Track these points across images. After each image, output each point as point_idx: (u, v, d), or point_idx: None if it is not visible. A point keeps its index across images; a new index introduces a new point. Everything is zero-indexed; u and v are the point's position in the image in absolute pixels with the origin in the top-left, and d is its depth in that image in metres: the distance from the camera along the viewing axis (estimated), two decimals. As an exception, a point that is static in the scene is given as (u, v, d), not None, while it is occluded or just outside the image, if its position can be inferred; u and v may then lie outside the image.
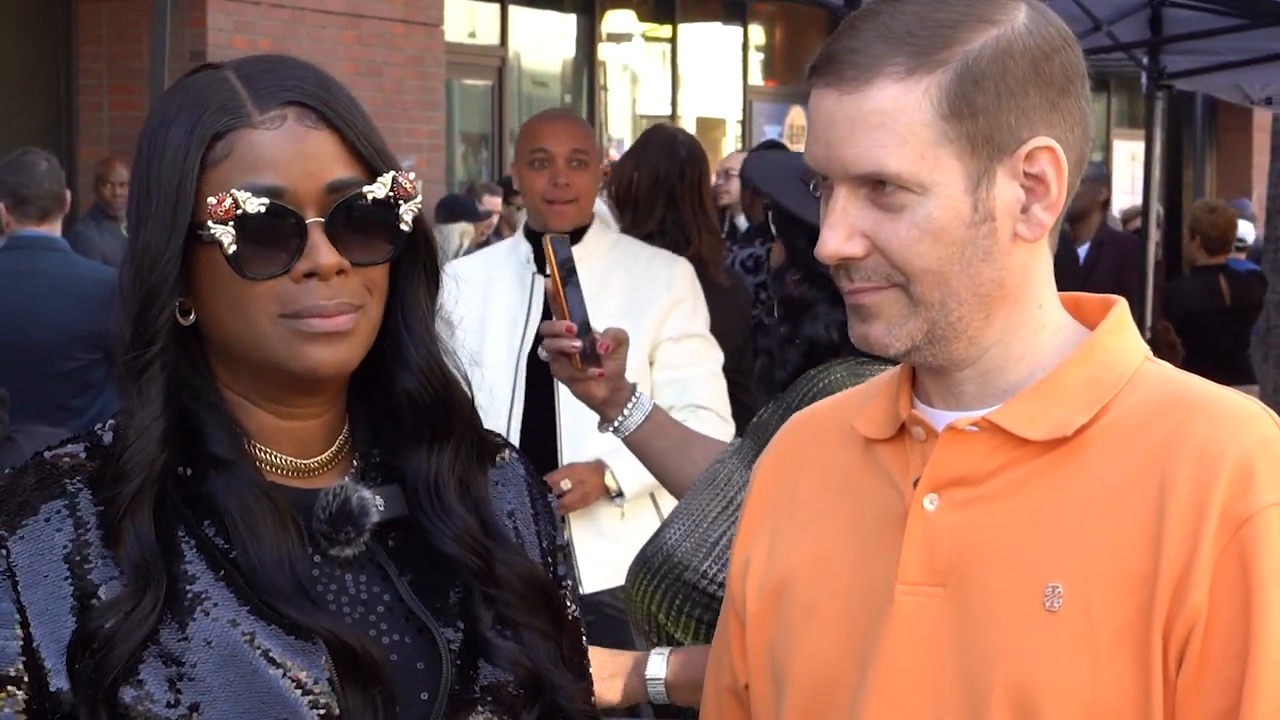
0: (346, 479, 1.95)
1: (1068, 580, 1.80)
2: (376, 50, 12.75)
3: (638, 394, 3.49)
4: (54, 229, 7.01)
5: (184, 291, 1.88)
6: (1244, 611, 1.74)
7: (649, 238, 5.48)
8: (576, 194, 5.05)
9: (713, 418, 5.11)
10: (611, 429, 3.49)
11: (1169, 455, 1.80)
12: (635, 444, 3.47)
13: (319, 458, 1.96)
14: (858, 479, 1.98)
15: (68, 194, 7.15)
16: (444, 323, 2.00)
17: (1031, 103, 1.84)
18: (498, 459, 2.08)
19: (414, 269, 1.95)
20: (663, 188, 5.92)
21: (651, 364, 5.09)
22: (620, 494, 5.01)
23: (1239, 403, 1.86)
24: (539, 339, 5.05)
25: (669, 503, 5.23)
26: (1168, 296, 10.55)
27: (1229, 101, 11.77)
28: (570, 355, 3.43)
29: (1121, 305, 1.95)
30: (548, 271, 3.53)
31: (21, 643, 1.81)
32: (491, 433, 2.10)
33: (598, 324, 5.09)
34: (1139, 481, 1.80)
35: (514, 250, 5.20)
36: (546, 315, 5.07)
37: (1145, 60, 9.22)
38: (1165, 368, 1.93)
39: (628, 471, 4.99)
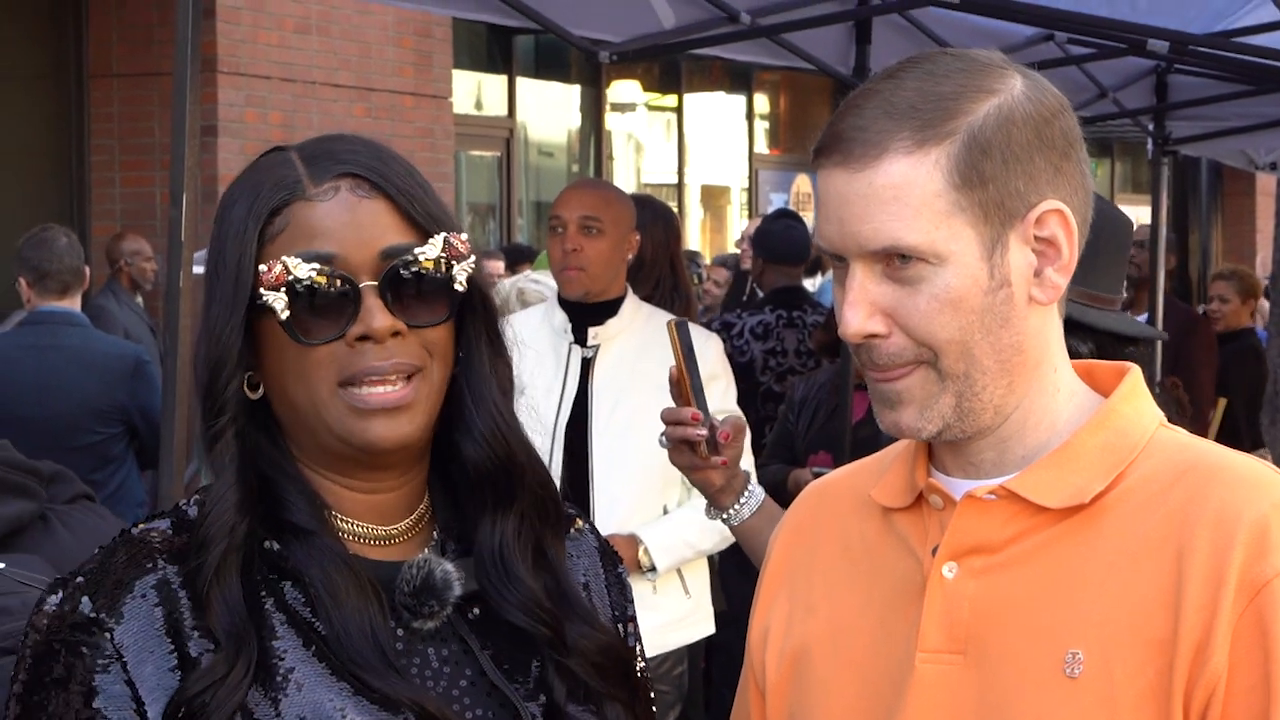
0: (428, 551, 1.96)
1: (1088, 647, 1.80)
2: (386, 123, 12.81)
3: (751, 484, 3.49)
4: (74, 304, 7.05)
5: (251, 365, 1.92)
6: (1264, 675, 1.75)
7: (645, 300, 5.52)
8: (584, 261, 5.11)
9: None
10: (723, 517, 3.49)
11: (1186, 521, 1.81)
12: (744, 532, 3.46)
13: (399, 525, 1.98)
14: (876, 548, 1.99)
15: (86, 269, 7.20)
16: (509, 389, 2.00)
17: (1037, 167, 1.85)
18: (572, 530, 2.10)
19: (476, 333, 1.97)
20: (665, 254, 5.97)
21: (661, 444, 5.10)
22: (653, 568, 5.04)
23: (1253, 467, 1.87)
24: (575, 408, 5.10)
25: (694, 578, 5.25)
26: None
27: (1234, 166, 11.82)
28: (695, 444, 3.42)
29: (1135, 372, 1.96)
30: (672, 357, 3.50)
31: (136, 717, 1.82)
32: (566, 503, 2.11)
33: (638, 399, 5.12)
34: (1157, 547, 1.81)
35: (548, 318, 5.23)
36: (582, 386, 5.11)
37: (1150, 126, 9.27)
38: (1180, 434, 1.94)
39: (660, 546, 5.03)
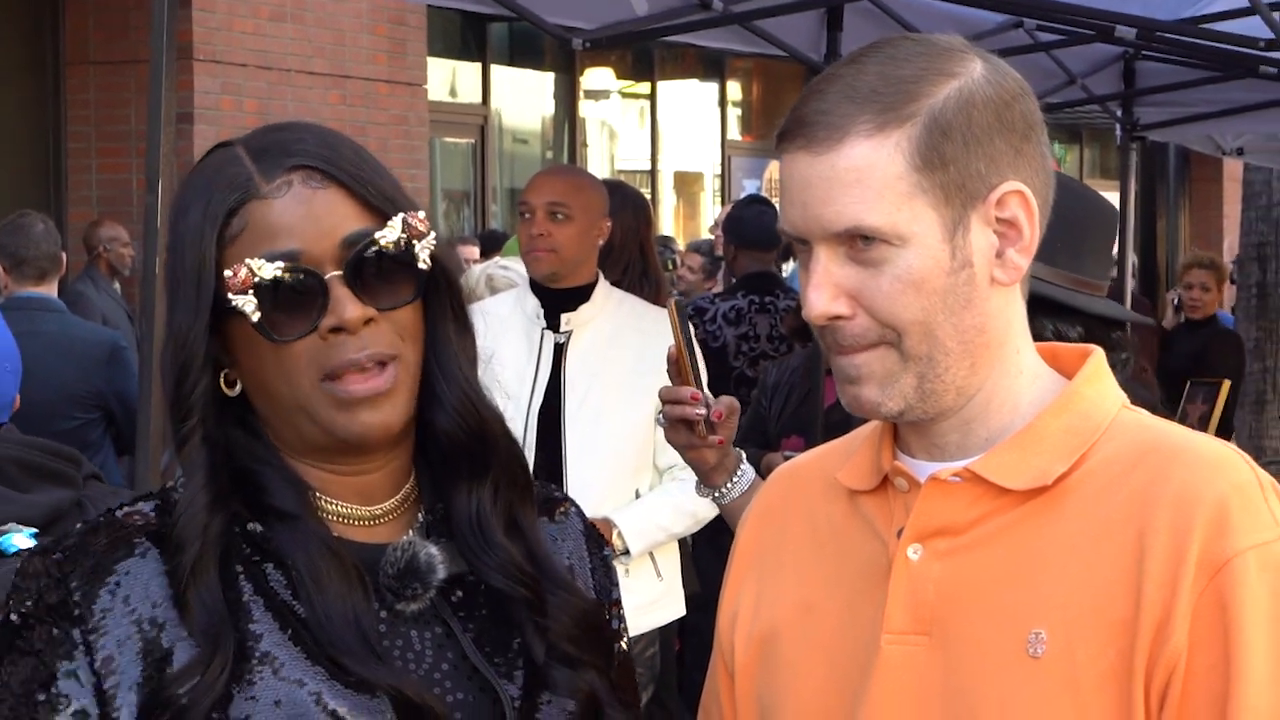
0: (413, 533, 1.98)
1: (1050, 627, 1.82)
2: (361, 110, 12.79)
3: (743, 464, 3.52)
4: (51, 290, 7.05)
5: (230, 364, 1.93)
6: (1223, 655, 1.76)
7: (614, 285, 5.54)
8: (553, 244, 5.14)
9: None
10: (714, 495, 3.51)
11: (1147, 502, 1.83)
12: (734, 511, 3.47)
13: (384, 505, 1.99)
14: (842, 530, 2.00)
15: (63, 255, 7.20)
16: (475, 359, 2.02)
17: (998, 149, 1.87)
18: (557, 513, 2.12)
19: (441, 309, 1.98)
20: (635, 239, 5.99)
21: (656, 423, 5.14)
22: (626, 552, 5.07)
23: (1214, 448, 1.88)
24: (548, 394, 5.12)
25: (666, 561, 5.28)
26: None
27: (1201, 152, 11.86)
28: (693, 423, 3.43)
29: (1098, 354, 1.98)
30: (672, 336, 3.53)
31: (99, 709, 1.83)
32: (551, 487, 2.14)
33: (610, 384, 5.14)
34: (1118, 528, 1.83)
35: (519, 303, 5.27)
36: (555, 371, 5.14)
37: (1119, 112, 9.29)
38: (1142, 415, 1.96)
39: (634, 530, 5.06)
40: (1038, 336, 2.77)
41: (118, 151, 11.65)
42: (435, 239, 1.95)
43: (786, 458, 5.03)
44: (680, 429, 3.43)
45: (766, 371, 6.99)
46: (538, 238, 5.19)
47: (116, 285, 10.15)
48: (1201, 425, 8.92)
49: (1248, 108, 8.85)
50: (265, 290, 1.88)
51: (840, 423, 5.21)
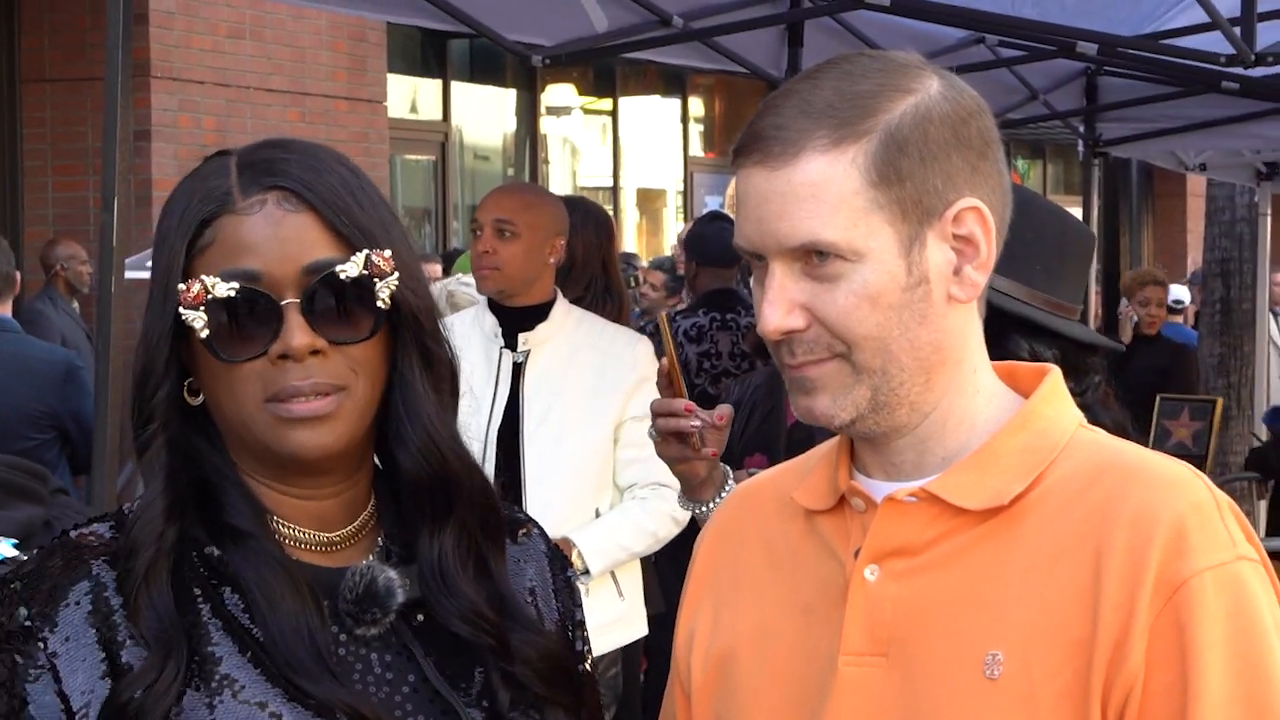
0: (372, 558, 1.97)
1: (1007, 648, 1.81)
2: (320, 127, 12.76)
3: (730, 479, 3.48)
4: (5, 309, 7.01)
5: (190, 373, 1.93)
6: (1180, 675, 1.76)
7: (575, 303, 5.53)
8: (498, 262, 5.13)
9: (674, 495, 5.13)
10: (701, 509, 3.47)
11: (1104, 521, 1.82)
12: None
13: (340, 532, 1.98)
14: (799, 550, 1.99)
15: (17, 275, 7.16)
16: (445, 399, 2.00)
17: (954, 166, 1.86)
18: (520, 535, 2.10)
19: (406, 348, 1.96)
20: (597, 255, 5.97)
21: (616, 441, 5.13)
22: (586, 572, 5.05)
23: (1171, 468, 1.88)
24: (507, 413, 5.11)
25: (627, 580, 5.27)
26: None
27: (1164, 168, 11.92)
28: (685, 435, 3.37)
29: (1055, 373, 1.97)
30: (663, 348, 3.48)
31: None
32: (516, 508, 2.13)
33: (569, 403, 5.12)
34: (1075, 548, 1.82)
35: (478, 322, 5.25)
36: (514, 389, 5.12)
37: (1081, 128, 9.34)
38: (1099, 434, 1.95)
39: (594, 549, 5.04)
40: (1013, 355, 2.77)
41: (74, 169, 11.62)
42: (406, 279, 1.93)
43: (751, 474, 4.99)
44: (672, 442, 3.39)
45: (729, 390, 6.97)
46: (483, 255, 5.19)
47: (75, 304, 10.12)
48: (1197, 442, 8.93)
49: (1210, 123, 8.91)
50: (219, 308, 1.87)
51: (803, 440, 5.19)
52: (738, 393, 6.90)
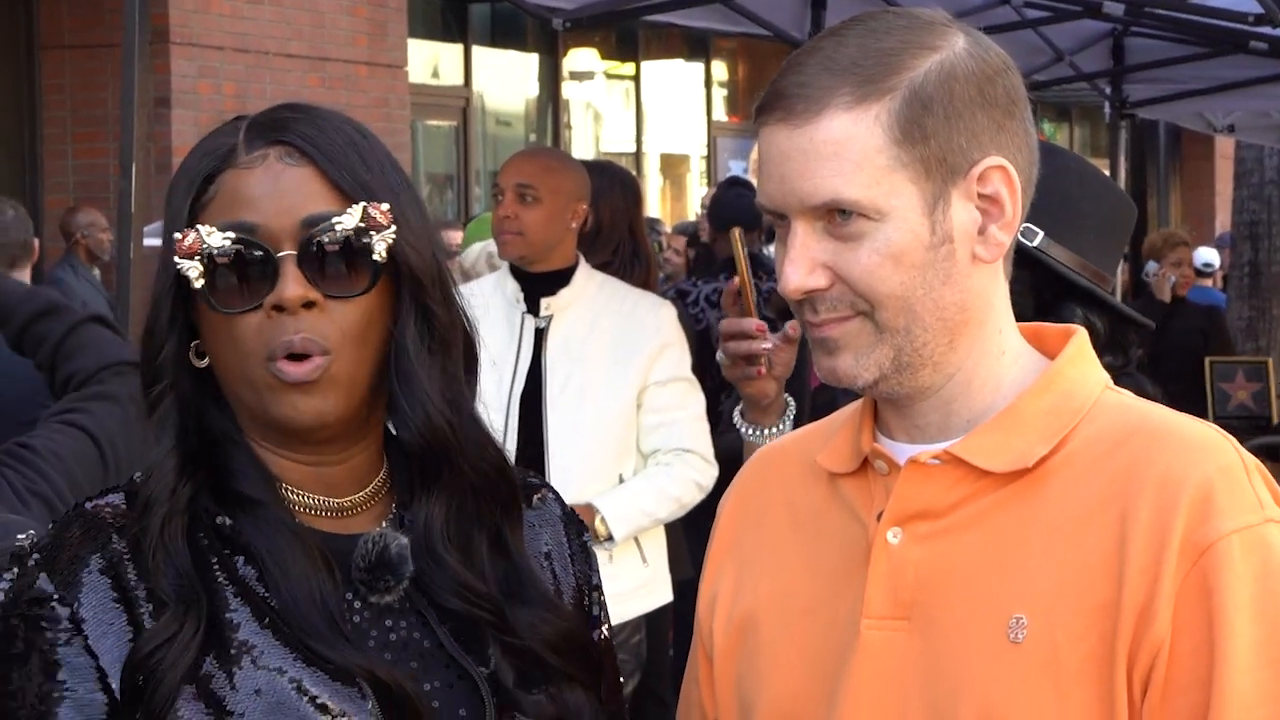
0: (385, 524, 1.96)
1: (1031, 612, 1.80)
2: (340, 93, 12.74)
3: (790, 404, 3.44)
4: (23, 276, 7.01)
5: (197, 334, 1.92)
6: (1207, 639, 1.74)
7: (603, 268, 5.50)
8: (520, 227, 5.11)
9: (698, 460, 5.15)
10: (764, 432, 3.38)
11: (1130, 484, 1.80)
12: None
13: (351, 498, 1.97)
14: (822, 513, 1.98)
15: (35, 242, 7.16)
16: (448, 364, 1.97)
17: (980, 124, 1.84)
18: (534, 499, 2.09)
19: (404, 310, 1.93)
20: (624, 220, 5.95)
21: (639, 406, 5.11)
22: (610, 538, 5.04)
23: (1199, 430, 1.86)
24: (529, 379, 5.10)
25: (652, 546, 5.25)
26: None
27: (1192, 130, 11.88)
28: (756, 357, 3.32)
29: (1081, 334, 1.95)
30: (736, 265, 3.42)
31: (104, 694, 1.83)
32: (530, 474, 2.11)
33: (591, 369, 5.09)
34: (1100, 511, 1.81)
35: (500, 286, 5.23)
36: (536, 355, 5.10)
37: (1108, 90, 9.29)
38: (1126, 396, 1.93)
39: (617, 515, 5.03)
40: (1065, 320, 2.77)
41: (94, 136, 11.62)
42: (396, 233, 1.90)
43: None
44: (740, 364, 3.32)
45: None
46: (505, 220, 5.17)
47: (96, 271, 10.12)
48: (1259, 403, 8.90)
49: (1238, 84, 8.87)
50: (217, 260, 1.87)
51: (827, 404, 5.16)
52: None
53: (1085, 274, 2.98)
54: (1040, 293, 2.92)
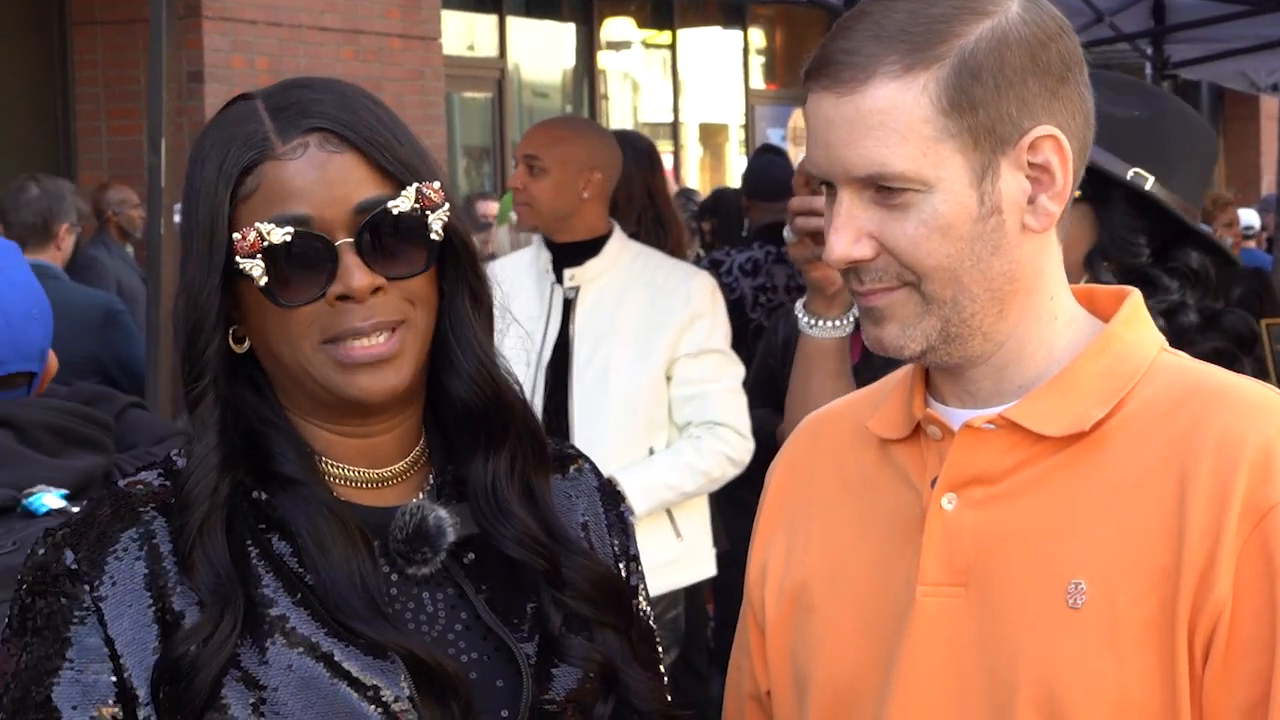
0: (423, 496, 1.98)
1: (1090, 577, 1.78)
2: (375, 66, 12.73)
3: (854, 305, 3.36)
4: (43, 256, 6.99)
5: (238, 320, 1.93)
6: (1269, 602, 1.73)
7: (632, 236, 5.47)
8: (528, 198, 5.13)
9: (730, 434, 5.09)
10: (828, 324, 3.30)
11: (1189, 446, 1.78)
12: (822, 350, 3.30)
13: (392, 468, 1.99)
14: (874, 480, 1.97)
15: (61, 220, 7.13)
16: (491, 329, 2.01)
17: (1031, 92, 1.82)
18: (571, 470, 2.11)
19: (457, 278, 1.97)
20: (641, 187, 5.91)
21: (669, 378, 5.07)
22: (630, 512, 4.99)
23: (1258, 391, 1.84)
24: (558, 347, 5.07)
25: (688, 520, 5.20)
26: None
27: (1235, 90, 11.78)
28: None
29: (1135, 296, 1.93)
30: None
31: (114, 676, 1.84)
32: (565, 443, 2.14)
33: (619, 340, 5.05)
34: (1159, 474, 1.79)
35: (535, 258, 5.21)
36: (564, 325, 5.07)
37: (1149, 50, 9.22)
38: (1182, 358, 1.91)
39: (637, 488, 4.98)
40: (1183, 266, 2.89)
41: (128, 113, 11.62)
42: (449, 209, 1.93)
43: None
44: (808, 243, 3.26)
45: (774, 328, 6.89)
46: (516, 191, 5.21)
47: (129, 248, 10.12)
48: None
49: (1280, 42, 8.76)
50: (274, 254, 1.87)
51: (868, 382, 5.12)
52: (784, 330, 6.82)
53: (1188, 215, 2.98)
54: (1154, 237, 2.93)
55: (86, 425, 2.62)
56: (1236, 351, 2.90)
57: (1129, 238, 2.92)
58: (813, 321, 3.31)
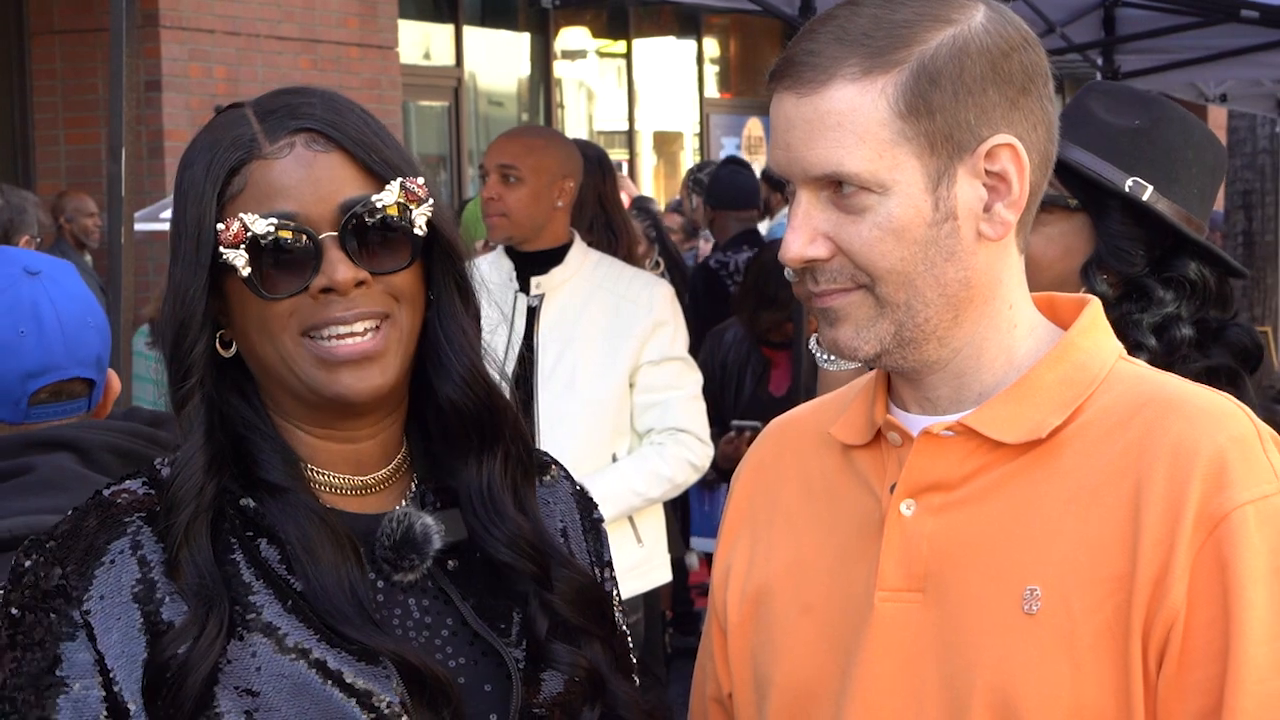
0: (407, 504, 1.98)
1: (1046, 583, 1.79)
2: (332, 75, 12.70)
3: None
4: None
5: (225, 323, 1.93)
6: (1223, 609, 1.74)
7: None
8: (503, 209, 5.10)
9: (692, 440, 5.12)
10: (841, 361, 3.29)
11: (1144, 454, 1.79)
12: (840, 383, 3.29)
13: (376, 475, 1.99)
14: (835, 485, 1.98)
15: (25, 237, 7.09)
16: (479, 329, 2.01)
17: (990, 101, 1.83)
18: (547, 476, 2.11)
19: (444, 276, 1.97)
20: (593, 194, 5.92)
21: (632, 386, 5.09)
22: (602, 519, 5.00)
23: (1213, 400, 1.85)
24: (521, 357, 5.07)
25: (647, 526, 5.22)
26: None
27: (1184, 100, 11.86)
28: None
29: (1095, 304, 1.94)
30: None
31: (103, 691, 1.83)
32: (538, 450, 2.12)
33: (583, 348, 5.05)
34: (1114, 482, 1.80)
35: (496, 266, 5.20)
36: (528, 333, 5.08)
37: (1099, 60, 9.26)
38: (1140, 366, 1.92)
39: (602, 495, 4.98)
40: (1182, 276, 2.84)
41: (86, 122, 11.57)
42: (434, 207, 1.94)
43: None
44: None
45: (708, 351, 6.92)
46: (489, 201, 5.16)
47: (87, 257, 10.07)
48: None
49: (1230, 53, 8.84)
50: (259, 247, 1.87)
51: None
52: (720, 352, 6.84)
53: (1190, 226, 2.94)
54: (1152, 248, 2.89)
55: (150, 447, 2.59)
56: (1237, 368, 2.84)
57: (1125, 247, 2.87)
58: (827, 356, 3.33)
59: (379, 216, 1.90)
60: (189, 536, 1.86)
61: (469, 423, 1.97)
